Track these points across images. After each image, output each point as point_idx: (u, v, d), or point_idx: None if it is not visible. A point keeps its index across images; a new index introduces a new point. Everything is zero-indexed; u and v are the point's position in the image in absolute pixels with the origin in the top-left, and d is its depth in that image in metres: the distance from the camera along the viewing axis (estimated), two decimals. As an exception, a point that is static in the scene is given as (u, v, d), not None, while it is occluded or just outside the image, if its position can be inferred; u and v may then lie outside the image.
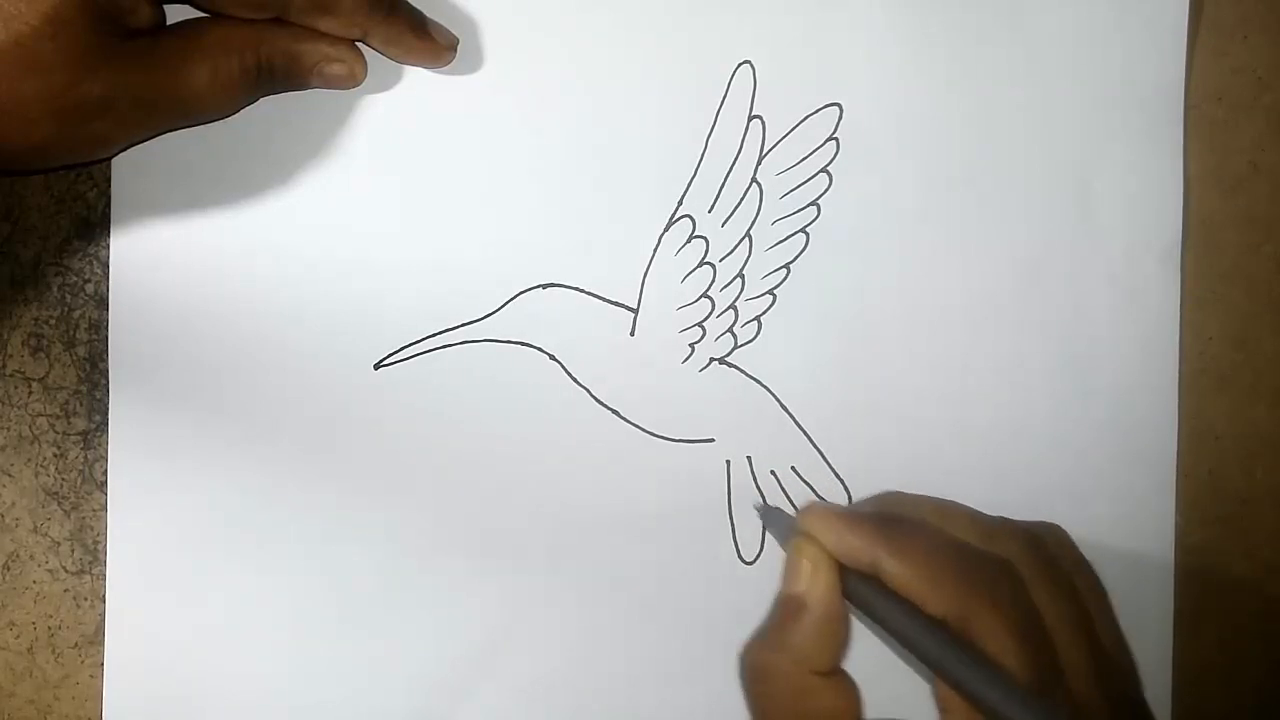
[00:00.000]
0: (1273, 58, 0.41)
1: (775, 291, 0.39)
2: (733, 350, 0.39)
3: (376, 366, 0.38)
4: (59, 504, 0.38)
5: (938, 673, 0.31)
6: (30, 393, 0.38)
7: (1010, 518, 0.34)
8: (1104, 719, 0.31)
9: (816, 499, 0.36)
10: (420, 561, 0.38)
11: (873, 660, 0.37)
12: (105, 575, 0.38)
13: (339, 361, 0.38)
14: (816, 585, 0.32)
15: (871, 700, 0.33)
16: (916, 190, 0.40)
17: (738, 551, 0.39)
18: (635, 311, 0.39)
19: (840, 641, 0.33)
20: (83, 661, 0.38)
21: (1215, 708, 0.41)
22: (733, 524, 0.39)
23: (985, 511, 0.36)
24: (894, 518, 0.34)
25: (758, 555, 0.40)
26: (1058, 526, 0.35)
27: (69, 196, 0.38)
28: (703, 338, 0.39)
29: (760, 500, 0.39)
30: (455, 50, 0.37)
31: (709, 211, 0.39)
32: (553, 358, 0.39)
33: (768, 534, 0.40)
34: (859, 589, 0.32)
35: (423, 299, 0.38)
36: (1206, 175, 0.41)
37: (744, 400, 0.39)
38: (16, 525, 0.38)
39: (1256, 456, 0.41)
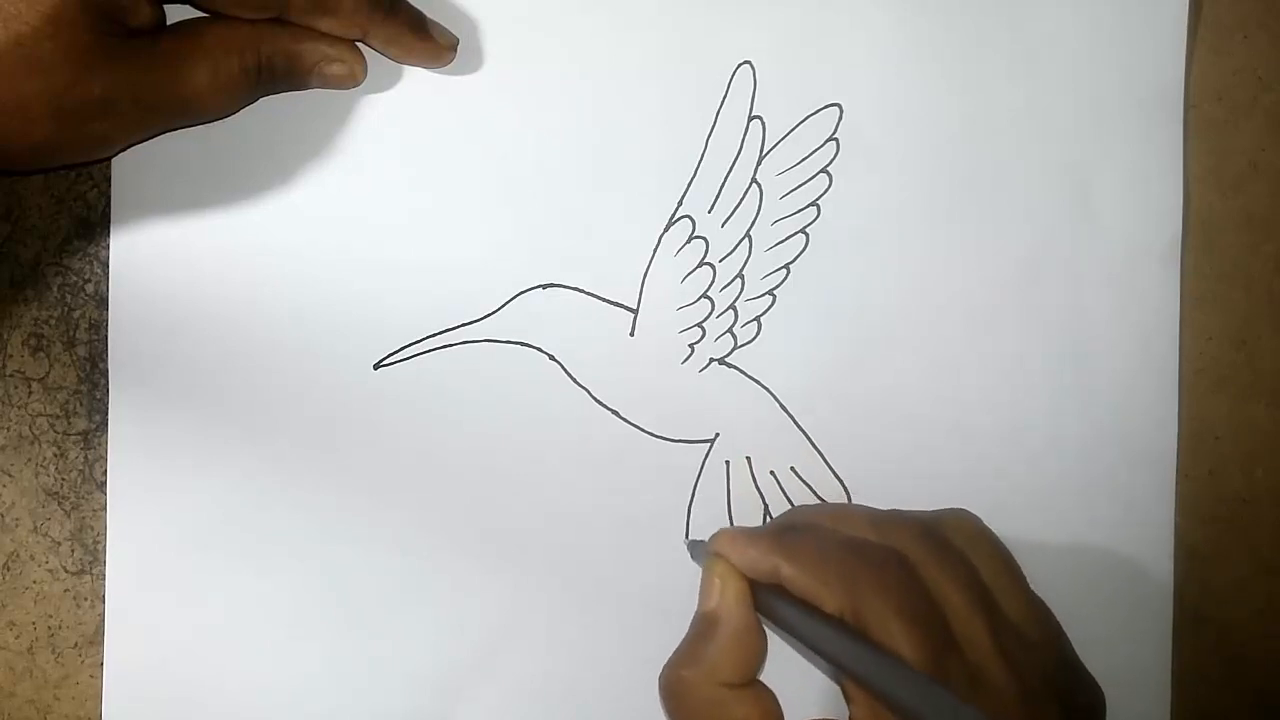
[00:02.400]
0: (1273, 58, 0.41)
1: (775, 292, 0.39)
2: (732, 350, 0.39)
3: (376, 366, 0.38)
4: (59, 504, 0.38)
5: (837, 667, 0.32)
6: (30, 393, 0.38)
7: (905, 510, 0.36)
8: (1011, 690, 0.32)
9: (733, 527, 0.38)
10: (420, 561, 0.38)
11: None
12: (105, 575, 0.38)
13: (339, 361, 0.38)
14: (726, 599, 0.34)
15: (796, 710, 0.34)
16: (916, 190, 0.40)
17: (738, 551, 0.39)
18: (635, 311, 0.39)
19: (754, 654, 0.34)
20: (83, 661, 0.38)
21: (1215, 708, 0.41)
22: (731, 525, 0.39)
23: (980, 513, 0.36)
24: (789, 526, 0.35)
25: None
26: (963, 510, 0.36)
27: (69, 196, 0.38)
28: (702, 338, 0.39)
29: (687, 537, 0.39)
30: (455, 50, 0.37)
31: (709, 212, 0.39)
32: (553, 358, 0.39)
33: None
34: (766, 600, 0.34)
35: (423, 299, 0.38)
36: (1206, 175, 0.41)
37: (744, 400, 0.39)
38: (16, 525, 0.38)
39: (1256, 456, 0.41)
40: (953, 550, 0.34)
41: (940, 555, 0.33)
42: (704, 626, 0.34)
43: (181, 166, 0.38)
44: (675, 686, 0.34)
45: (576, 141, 0.39)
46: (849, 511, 0.35)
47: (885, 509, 0.35)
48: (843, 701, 0.33)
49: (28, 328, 0.38)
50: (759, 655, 0.34)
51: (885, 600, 0.31)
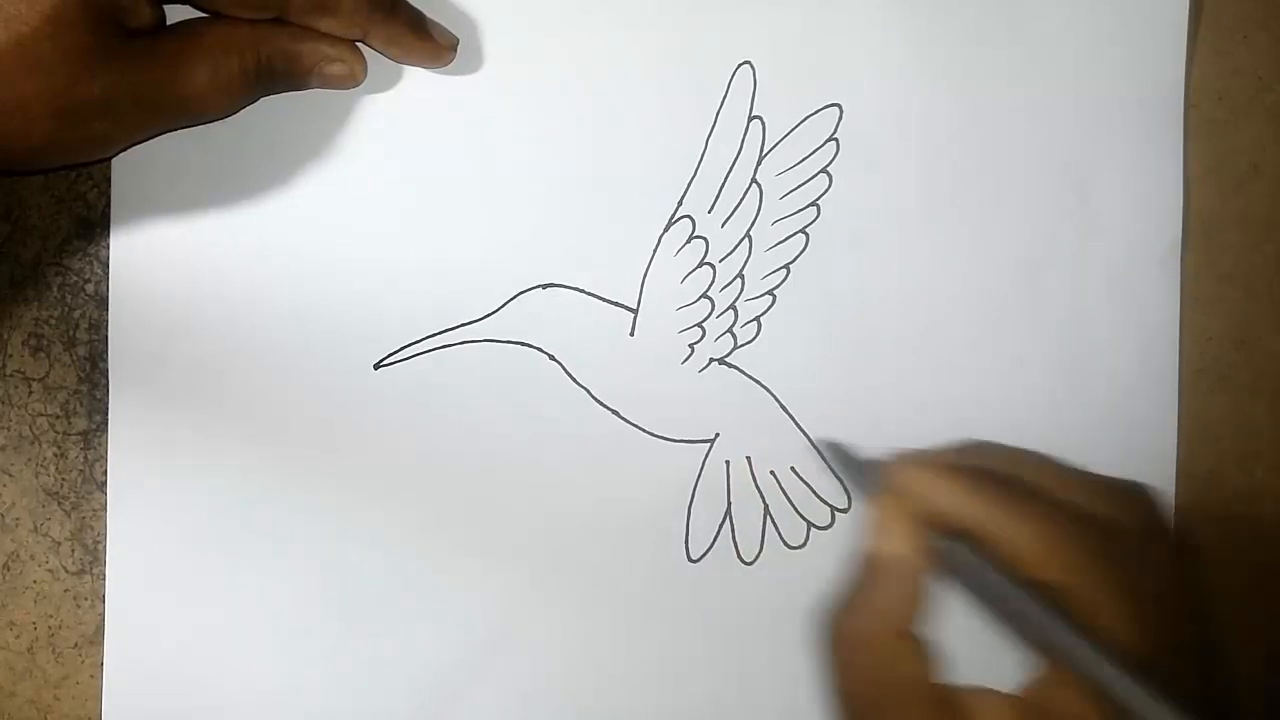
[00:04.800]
0: (1273, 58, 0.41)
1: (775, 292, 0.39)
2: (732, 350, 0.39)
3: (376, 366, 0.38)
4: (59, 504, 0.38)
5: (1040, 646, 0.29)
6: (30, 393, 0.38)
7: (1100, 474, 0.32)
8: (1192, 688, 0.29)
9: (892, 457, 0.34)
10: (420, 561, 0.38)
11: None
12: (105, 575, 0.38)
13: (339, 361, 0.38)
14: (899, 544, 0.31)
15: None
16: (916, 190, 0.40)
17: (736, 552, 0.39)
18: (635, 311, 0.39)
19: (922, 601, 0.31)
20: (83, 661, 0.38)
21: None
22: (732, 525, 0.39)
23: None
24: (993, 476, 0.31)
25: (756, 556, 0.40)
26: (1147, 486, 0.33)
27: (69, 196, 0.38)
28: (702, 338, 0.39)
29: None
30: (455, 50, 0.37)
31: (709, 212, 0.39)
32: (553, 358, 0.39)
33: (765, 534, 0.40)
34: (954, 550, 0.30)
35: (423, 299, 0.38)
36: (1206, 175, 0.41)
37: (744, 400, 0.39)
38: (16, 525, 0.38)
39: (1256, 456, 0.41)
40: (1163, 532, 0.31)
41: (1153, 537, 0.31)
42: (872, 570, 0.31)
43: (181, 166, 0.38)
44: (842, 636, 0.31)
45: (576, 141, 0.39)
46: (1049, 466, 0.32)
47: (1080, 470, 0.32)
48: (1000, 663, 0.30)
49: (28, 328, 0.38)
50: (926, 602, 0.31)
51: (1111, 581, 0.29)
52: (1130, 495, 0.32)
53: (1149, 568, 0.30)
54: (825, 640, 0.32)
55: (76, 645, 0.38)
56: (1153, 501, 0.32)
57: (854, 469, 0.34)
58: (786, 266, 0.39)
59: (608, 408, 0.39)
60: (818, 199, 0.39)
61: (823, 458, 0.40)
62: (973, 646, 0.35)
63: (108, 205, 0.38)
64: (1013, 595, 0.29)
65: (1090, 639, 0.28)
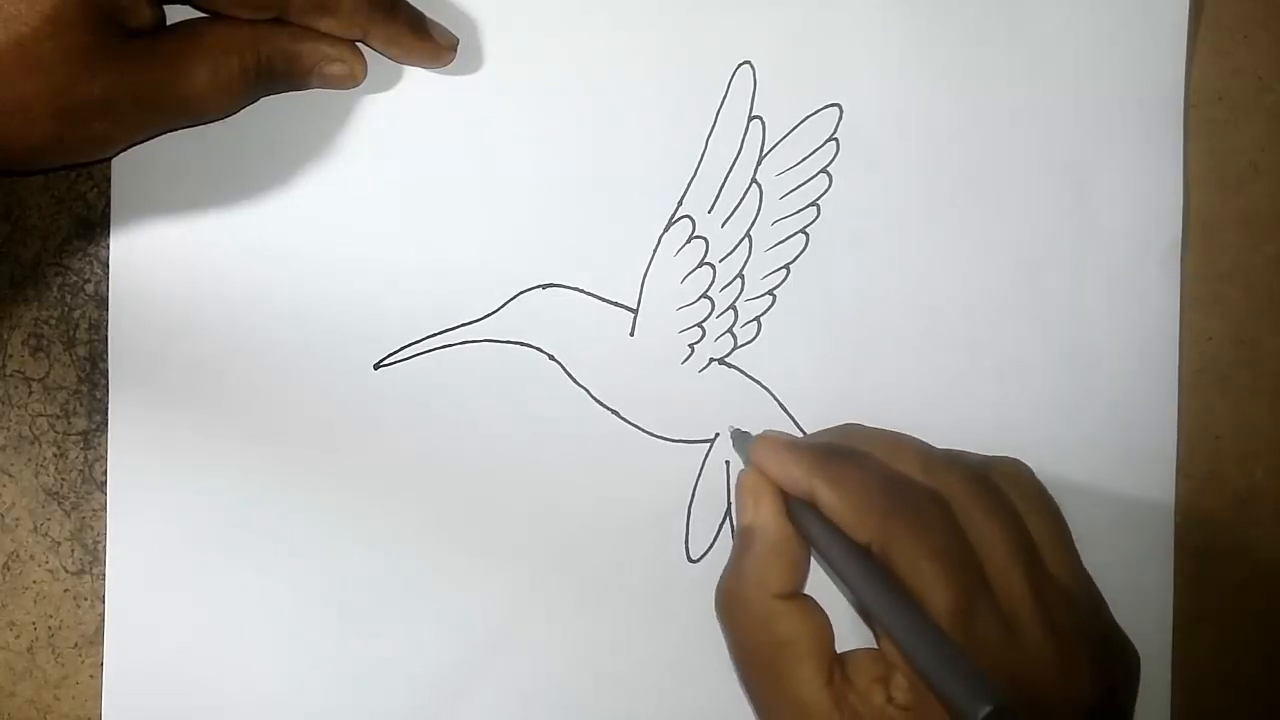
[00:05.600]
0: (1273, 58, 0.41)
1: (775, 292, 0.39)
2: (732, 351, 0.39)
3: (376, 366, 0.38)
4: (59, 504, 0.38)
5: (858, 598, 0.32)
6: (30, 393, 0.38)
7: (963, 450, 0.36)
8: (1045, 642, 0.31)
9: (772, 430, 0.38)
10: (420, 561, 0.38)
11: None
12: (105, 575, 0.38)
13: (339, 361, 0.38)
14: (760, 514, 0.35)
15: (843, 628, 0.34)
16: (916, 190, 0.40)
17: (738, 551, 0.39)
18: (635, 311, 0.39)
19: (794, 564, 0.34)
20: (83, 661, 0.38)
21: (1214, 708, 0.41)
22: (732, 525, 0.39)
23: None
24: (836, 447, 0.35)
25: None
26: (1016, 460, 0.36)
27: (69, 196, 0.38)
28: (702, 338, 0.39)
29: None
30: (455, 50, 0.37)
31: (709, 212, 0.39)
32: (552, 358, 0.39)
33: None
34: (800, 515, 0.34)
35: (423, 299, 0.38)
36: (1206, 175, 0.41)
37: (744, 401, 0.39)
38: (16, 525, 0.38)
39: (1256, 456, 0.41)
40: (1000, 498, 0.34)
41: (986, 502, 0.33)
42: (744, 540, 0.35)
43: (181, 166, 0.38)
44: (726, 601, 0.35)
45: (577, 141, 0.39)
46: (903, 444, 0.35)
47: (940, 448, 0.35)
48: None
49: (28, 328, 0.38)
50: (800, 565, 0.34)
51: (918, 542, 0.31)
52: (975, 469, 0.34)
53: (980, 532, 0.32)
54: (717, 608, 0.36)
55: (76, 645, 0.38)
56: (1016, 473, 0.35)
57: (742, 451, 0.37)
58: (786, 266, 0.39)
59: (608, 408, 0.39)
60: (818, 199, 0.39)
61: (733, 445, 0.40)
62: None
63: (108, 205, 0.38)
64: (838, 554, 0.32)
65: (890, 594, 0.31)
